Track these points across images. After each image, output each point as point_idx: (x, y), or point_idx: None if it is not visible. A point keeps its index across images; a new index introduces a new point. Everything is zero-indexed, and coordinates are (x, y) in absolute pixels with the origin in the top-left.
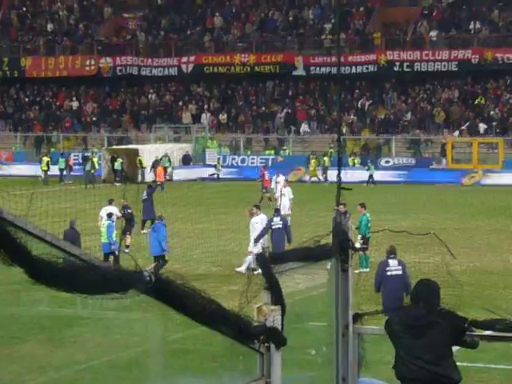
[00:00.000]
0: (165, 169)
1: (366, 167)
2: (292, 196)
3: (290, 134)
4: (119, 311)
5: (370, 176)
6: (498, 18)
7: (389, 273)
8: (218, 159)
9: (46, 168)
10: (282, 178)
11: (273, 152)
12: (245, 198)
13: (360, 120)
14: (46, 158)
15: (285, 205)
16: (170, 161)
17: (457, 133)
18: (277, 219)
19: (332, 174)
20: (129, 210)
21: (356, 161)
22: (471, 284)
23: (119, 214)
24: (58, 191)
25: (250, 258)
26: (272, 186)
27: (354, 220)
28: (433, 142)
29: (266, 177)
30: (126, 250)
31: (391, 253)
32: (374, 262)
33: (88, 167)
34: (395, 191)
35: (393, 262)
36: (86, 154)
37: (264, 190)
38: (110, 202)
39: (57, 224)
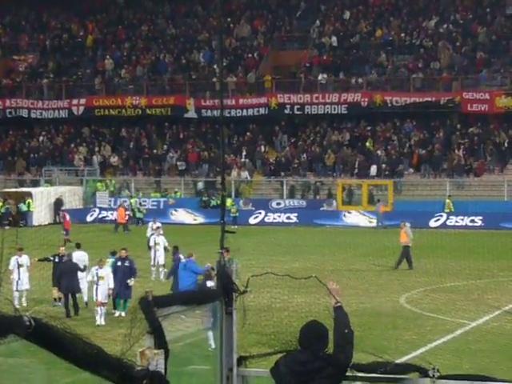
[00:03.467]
0: (125, 210)
1: (232, 208)
2: (167, 244)
3: (184, 176)
4: (7, 356)
5: (234, 218)
6: (386, 61)
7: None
8: (137, 203)
9: None
10: (159, 225)
11: (159, 195)
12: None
13: (251, 162)
14: None
15: (159, 255)
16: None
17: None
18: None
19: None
20: (64, 258)
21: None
22: (360, 325)
23: (29, 263)
24: None
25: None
26: (148, 234)
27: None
28: (323, 184)
29: (67, 218)
30: (59, 304)
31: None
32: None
33: None
34: (286, 233)
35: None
36: None
37: (64, 232)
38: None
39: None
